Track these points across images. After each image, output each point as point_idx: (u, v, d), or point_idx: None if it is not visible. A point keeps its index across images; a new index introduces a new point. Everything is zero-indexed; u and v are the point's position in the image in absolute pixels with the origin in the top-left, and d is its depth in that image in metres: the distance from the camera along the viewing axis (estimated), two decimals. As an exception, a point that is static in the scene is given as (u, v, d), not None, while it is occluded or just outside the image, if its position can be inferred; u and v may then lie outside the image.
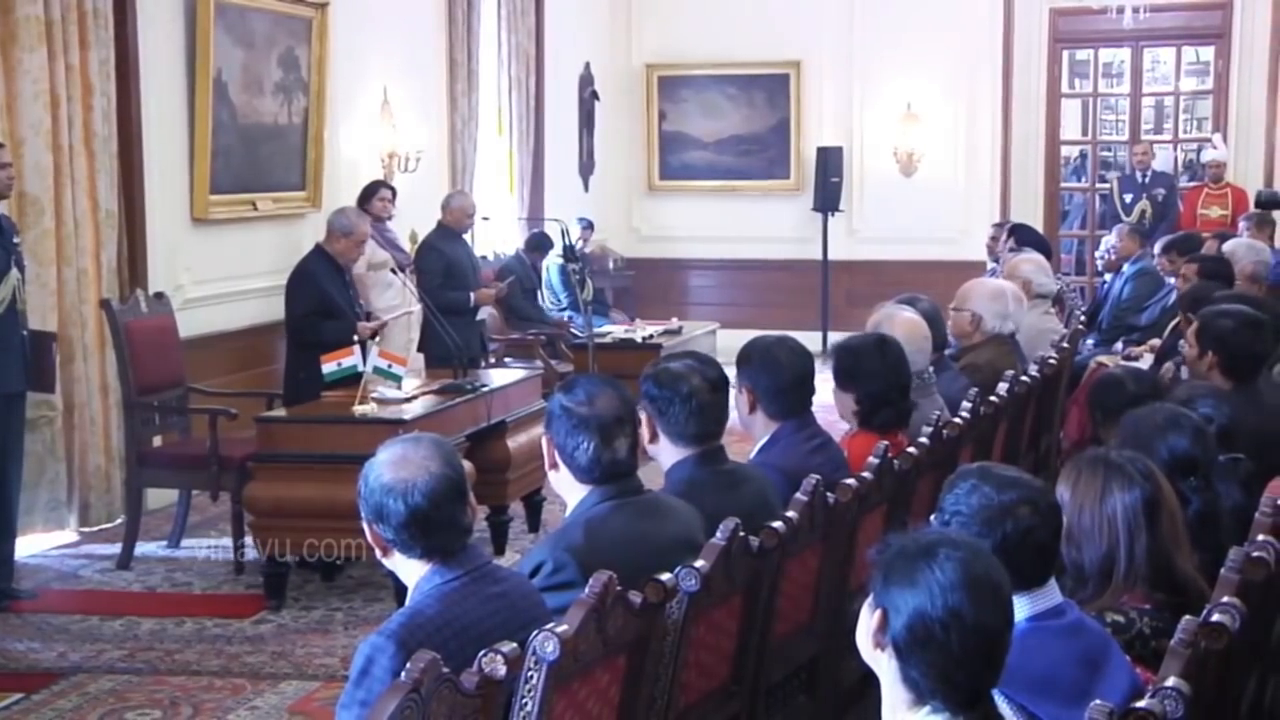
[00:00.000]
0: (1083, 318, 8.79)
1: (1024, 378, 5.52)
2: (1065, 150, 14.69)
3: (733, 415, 3.82)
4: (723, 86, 14.22)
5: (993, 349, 5.85)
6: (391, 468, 2.78)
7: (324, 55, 9.15)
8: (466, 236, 9.43)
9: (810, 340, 5.06)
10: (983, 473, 2.76)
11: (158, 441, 7.22)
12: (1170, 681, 2.21)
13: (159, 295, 7.41)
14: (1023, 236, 10.13)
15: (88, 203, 7.36)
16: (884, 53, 13.73)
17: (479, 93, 11.28)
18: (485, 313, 9.55)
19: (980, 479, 2.72)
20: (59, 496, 7.28)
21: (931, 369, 4.97)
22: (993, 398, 5.04)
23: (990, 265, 10.89)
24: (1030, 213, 13.39)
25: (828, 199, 13.68)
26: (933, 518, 2.75)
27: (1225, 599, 2.51)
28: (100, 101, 7.41)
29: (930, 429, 4.31)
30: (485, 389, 6.89)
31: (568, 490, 3.24)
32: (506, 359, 9.71)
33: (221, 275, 8.47)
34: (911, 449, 4.13)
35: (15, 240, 6.24)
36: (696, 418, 3.56)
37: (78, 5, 7.25)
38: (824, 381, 4.19)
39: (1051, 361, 6.07)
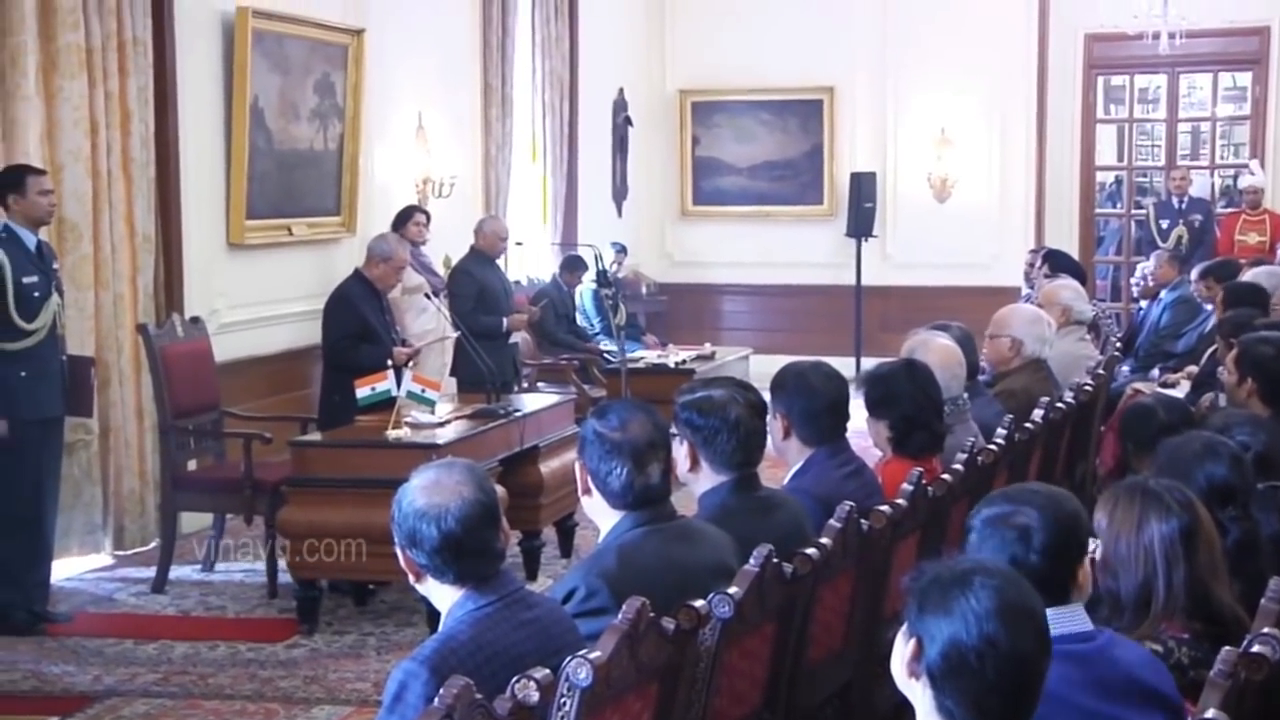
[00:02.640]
0: (1118, 344, 8.72)
1: (1059, 404, 5.49)
2: (1100, 176, 14.63)
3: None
4: (756, 112, 14.22)
5: (1028, 375, 5.83)
6: (425, 493, 2.78)
7: (359, 81, 9.20)
8: (500, 261, 9.47)
9: (844, 366, 5.04)
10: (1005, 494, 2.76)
11: (193, 465, 7.25)
12: (1210, 714, 2.19)
13: (195, 320, 7.45)
14: (1057, 262, 10.07)
15: (125, 228, 7.41)
16: (918, 77, 13.71)
17: (513, 118, 11.32)
18: (518, 337, 9.56)
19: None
20: (94, 520, 7.28)
21: (965, 395, 4.94)
22: (1028, 424, 5.01)
23: (1025, 291, 10.83)
24: (1065, 238, 13.36)
25: (861, 224, 13.65)
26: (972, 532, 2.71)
27: (1266, 629, 2.48)
28: (139, 128, 7.48)
29: (965, 455, 4.29)
30: (518, 414, 6.90)
31: (601, 516, 3.23)
32: (539, 384, 9.71)
33: (257, 300, 8.51)
34: (946, 475, 4.11)
35: (55, 266, 6.29)
36: (743, 446, 3.56)
37: (118, 33, 7.31)
38: (857, 408, 4.18)
39: (1087, 388, 6.04)
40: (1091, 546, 2.77)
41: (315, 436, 6.72)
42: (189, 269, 7.96)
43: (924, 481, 3.92)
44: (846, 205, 13.78)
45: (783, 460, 4.12)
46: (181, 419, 7.00)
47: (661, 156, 14.44)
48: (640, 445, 3.17)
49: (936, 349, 4.87)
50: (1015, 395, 5.61)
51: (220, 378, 7.42)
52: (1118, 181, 14.85)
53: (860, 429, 4.37)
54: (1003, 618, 2.10)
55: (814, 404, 4.00)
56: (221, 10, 8.14)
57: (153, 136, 7.59)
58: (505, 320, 8.99)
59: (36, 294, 6.07)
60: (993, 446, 4.57)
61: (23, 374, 6.03)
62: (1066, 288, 7.43)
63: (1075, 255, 11.92)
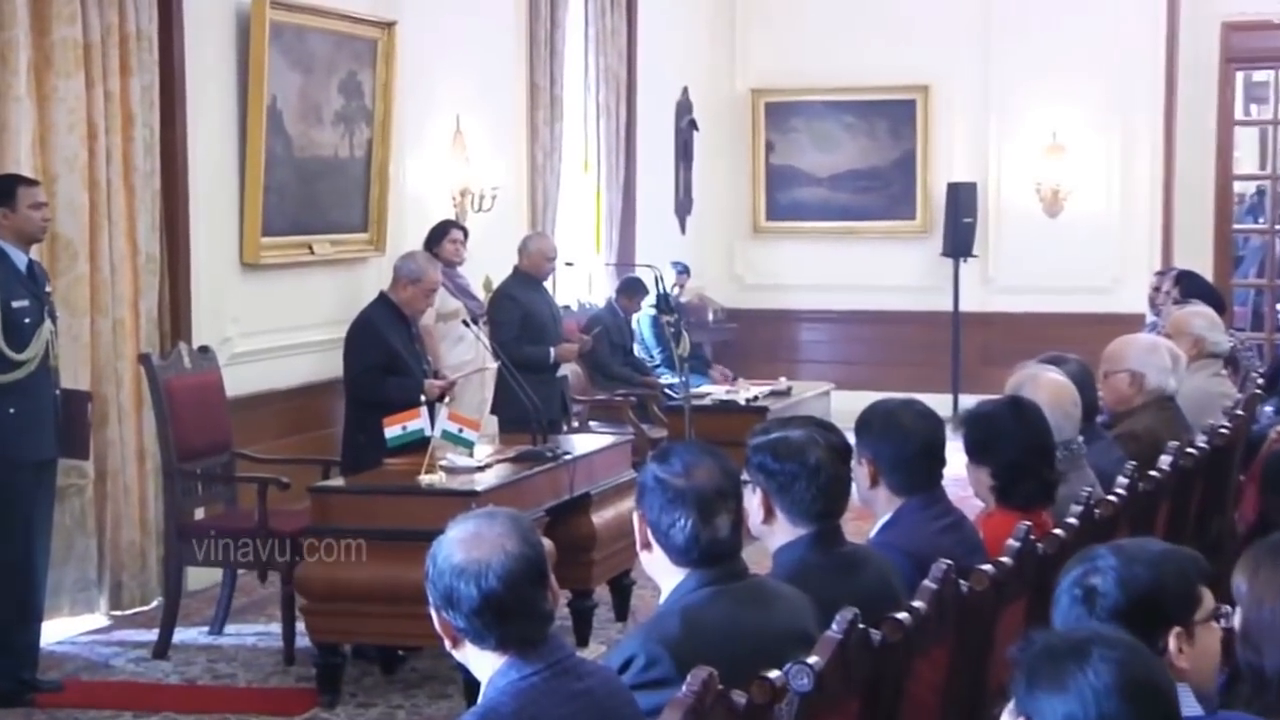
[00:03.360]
0: (1260, 380, 8.63)
1: (1190, 449, 5.44)
2: (1239, 186, 14.53)
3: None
4: (839, 114, 14.24)
5: (1153, 414, 5.78)
6: (463, 546, 2.78)
7: (390, 80, 9.25)
8: (547, 284, 9.48)
9: (939, 404, 5.05)
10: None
11: (200, 514, 7.29)
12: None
13: (204, 349, 7.46)
14: (1190, 286, 10.00)
15: (126, 245, 7.47)
16: (1025, 74, 13.67)
17: (563, 122, 11.38)
18: (568, 370, 9.55)
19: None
20: (88, 575, 7.31)
21: (1081, 439, 4.90)
22: (1153, 472, 4.98)
23: (1150, 319, 10.76)
24: (1198, 258, 13.22)
25: (959, 242, 13.63)
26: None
27: None
28: (142, 133, 7.53)
29: (1080, 507, 4.26)
30: (568, 457, 6.92)
31: (662, 573, 3.25)
32: (591, 422, 9.72)
33: (274, 327, 8.54)
34: (1058, 530, 4.08)
35: (48, 289, 6.34)
36: (824, 494, 3.58)
37: (119, 27, 7.36)
38: (954, 452, 4.17)
39: (1223, 430, 5.97)
40: (1227, 613, 2.75)
41: (338, 482, 6.75)
42: (198, 292, 7.99)
43: (1032, 537, 3.89)
44: (942, 220, 13.78)
45: (869, 511, 4.13)
46: (188, 461, 7.02)
47: (731, 165, 14.46)
48: (707, 493, 3.18)
49: (1047, 385, 4.84)
50: (1138, 438, 5.57)
51: (232, 415, 7.44)
52: (1260, 193, 14.75)
53: (958, 476, 4.36)
54: (1125, 695, 2.07)
55: (905, 447, 4.01)
56: (236, 0, 8.20)
57: (158, 142, 7.64)
58: (553, 350, 9.00)
59: (27, 320, 6.09)
60: (1112, 497, 4.52)
61: (12, 410, 6.04)
62: (1199, 315, 7.36)
63: (1209, 278, 11.84)
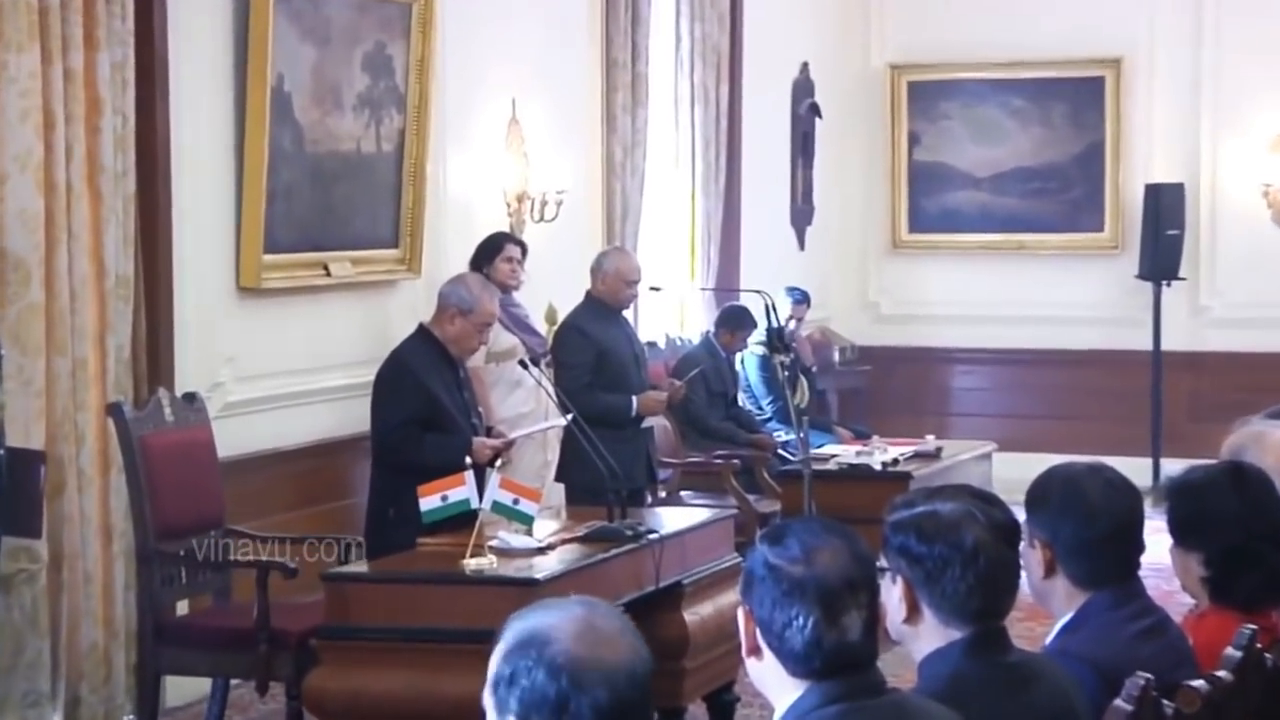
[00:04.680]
0: None
1: None
2: None
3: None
4: (1004, 96, 14.23)
5: None
6: (580, 643, 2.75)
7: (428, 55, 9.24)
8: (627, 314, 9.45)
9: (1135, 471, 5.00)
10: None
11: (183, 608, 7.28)
12: None
13: (189, 397, 7.42)
14: None
15: (91, 266, 7.43)
16: (1249, 46, 13.61)
17: (648, 108, 11.40)
18: (654, 424, 9.48)
19: None
20: (39, 687, 7.21)
21: (1321, 516, 4.87)
22: None
23: None
24: None
25: (1161, 261, 13.54)
26: None
27: None
28: (112, 122, 7.49)
29: (1320, 605, 4.22)
30: (653, 537, 6.88)
31: (774, 686, 3.21)
32: (684, 492, 9.76)
33: (278, 369, 8.50)
34: (1292, 636, 4.05)
35: (-10, 321, 6.38)
36: (983, 587, 3.55)
37: (85, -14, 7.37)
38: (1154, 533, 4.13)
39: None
40: None
41: (360, 567, 6.77)
42: (182, 324, 7.94)
43: (1258, 645, 3.85)
44: (1139, 233, 13.67)
45: (1044, 609, 4.10)
46: (168, 541, 6.98)
47: (864, 162, 14.46)
48: (833, 585, 3.16)
49: (1276, 448, 4.78)
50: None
51: (226, 481, 7.41)
52: None
53: (1160, 564, 4.33)
54: None
55: (1091, 528, 3.97)
56: (233, -45, 8.22)
57: (132, 134, 7.59)
58: (634, 400, 8.97)
59: (-34, 360, 6.10)
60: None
61: (-59, 476, 6.05)
62: None
63: None
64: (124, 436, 6.98)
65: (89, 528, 7.42)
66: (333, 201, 8.86)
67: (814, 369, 12.41)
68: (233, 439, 7.83)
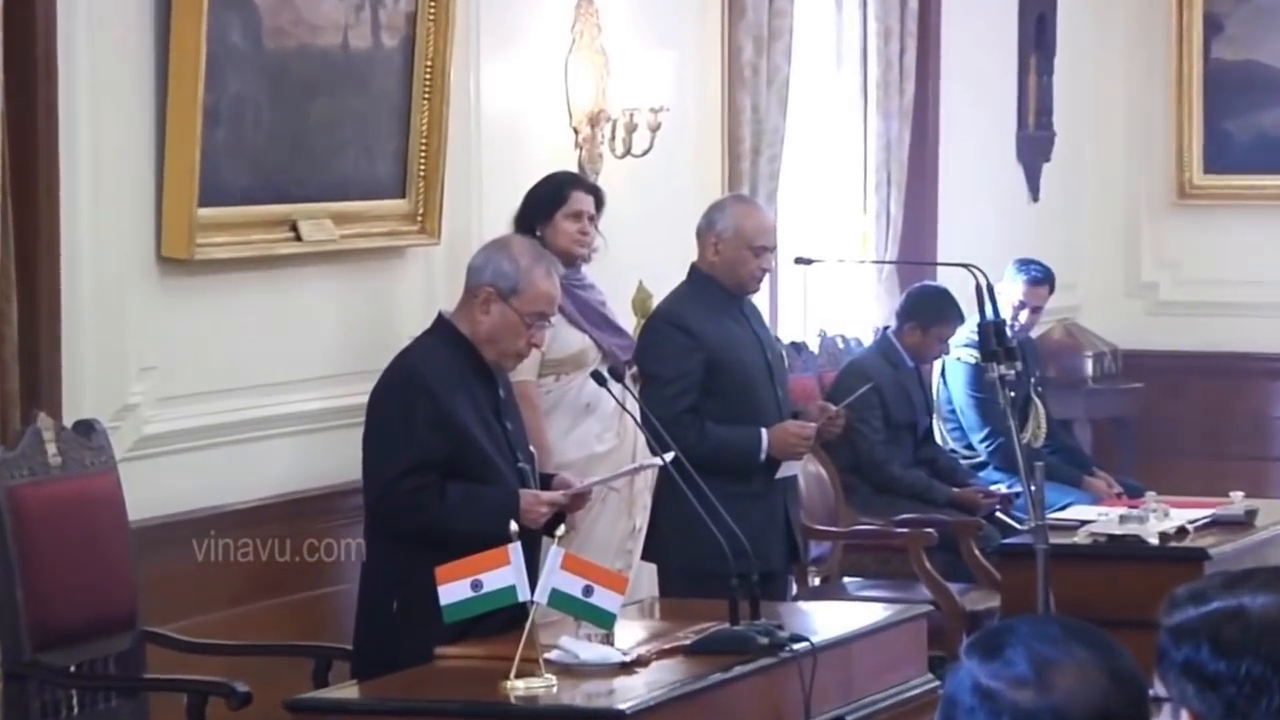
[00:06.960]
0: None
1: None
2: None
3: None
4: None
5: None
6: None
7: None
8: (757, 300, 8.24)
9: None
10: None
11: (77, 751, 6.61)
12: None
13: (84, 427, 6.59)
14: None
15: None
16: None
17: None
18: (797, 470, 8.26)
19: None
20: None
21: None
22: None
23: None
24: None
25: None
26: None
27: None
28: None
29: None
30: (799, 647, 6.22)
31: None
32: (848, 579, 9.03)
33: (220, 385, 7.38)
34: None
35: None
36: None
37: None
38: None
39: None
40: None
41: (346, 691, 6.22)
42: (74, 319, 6.93)
43: None
44: None
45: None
46: (52, 649, 6.41)
47: (1133, 66, 12.58)
48: (1079, 718, 2.78)
49: None
50: None
51: (140, 557, 6.66)
52: None
53: None
54: None
55: None
56: None
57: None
58: (765, 434, 7.76)
59: None
60: None
61: None
62: None
63: None
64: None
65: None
66: (306, 127, 7.61)
67: (1051, 385, 11.12)
68: (151, 492, 6.87)
